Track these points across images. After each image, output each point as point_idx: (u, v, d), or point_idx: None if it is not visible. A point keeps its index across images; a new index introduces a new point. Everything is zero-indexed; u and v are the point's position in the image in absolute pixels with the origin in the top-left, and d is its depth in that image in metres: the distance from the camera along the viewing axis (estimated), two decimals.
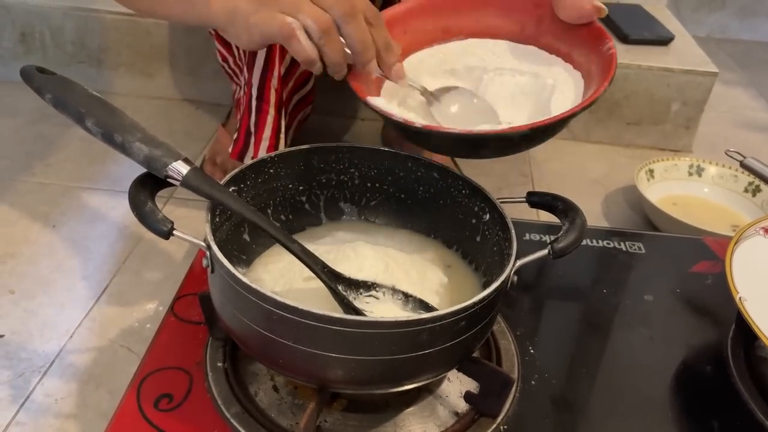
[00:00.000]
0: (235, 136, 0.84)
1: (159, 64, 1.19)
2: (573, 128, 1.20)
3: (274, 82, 0.79)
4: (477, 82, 0.67)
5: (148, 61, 1.19)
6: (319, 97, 0.93)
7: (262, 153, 0.80)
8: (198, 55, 1.17)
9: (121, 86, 1.21)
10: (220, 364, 0.59)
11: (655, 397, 0.62)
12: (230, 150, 0.84)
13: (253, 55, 0.78)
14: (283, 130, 0.82)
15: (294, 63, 0.83)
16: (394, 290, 0.56)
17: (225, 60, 0.90)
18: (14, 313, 0.73)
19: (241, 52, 0.83)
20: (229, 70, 0.91)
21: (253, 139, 0.81)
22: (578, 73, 0.65)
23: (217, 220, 0.56)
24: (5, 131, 1.08)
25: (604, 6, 0.64)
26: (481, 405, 0.57)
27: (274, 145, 0.80)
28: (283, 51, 0.79)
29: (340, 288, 0.54)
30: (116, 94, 1.21)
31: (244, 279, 0.47)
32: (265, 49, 0.76)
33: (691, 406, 0.62)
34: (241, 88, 0.89)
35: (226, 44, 0.88)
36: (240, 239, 0.62)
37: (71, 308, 0.75)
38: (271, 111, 0.80)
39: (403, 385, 0.52)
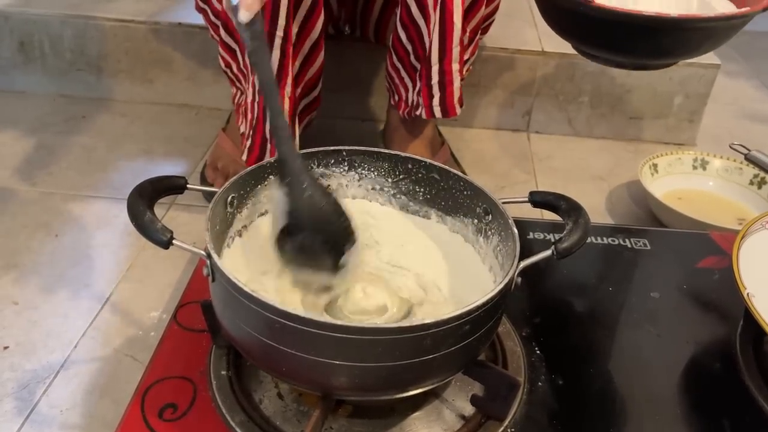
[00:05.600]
0: (248, 143, 0.84)
1: (158, 71, 1.19)
2: (575, 124, 1.20)
3: (288, 90, 0.79)
4: (622, 4, 0.70)
5: (147, 67, 1.18)
6: None
7: None
8: (196, 60, 1.17)
9: (121, 93, 1.21)
10: (223, 373, 0.59)
11: (663, 396, 0.62)
12: (245, 158, 0.84)
13: None
14: (297, 137, 0.82)
15: (303, 68, 0.83)
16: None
17: (228, 66, 0.90)
18: (18, 324, 0.73)
19: (246, 58, 0.83)
20: (232, 76, 0.91)
21: (269, 146, 0.81)
22: None
23: (218, 228, 0.56)
24: (6, 140, 1.08)
25: None
26: (487, 408, 0.57)
27: None
28: (295, 57, 0.80)
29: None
30: (116, 100, 1.21)
31: (246, 288, 0.47)
32: (278, 57, 0.77)
33: (701, 404, 0.62)
34: (243, 93, 0.89)
35: (230, 50, 0.88)
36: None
37: (75, 318, 0.75)
38: (285, 119, 0.80)
39: (408, 391, 0.51)
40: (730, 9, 0.75)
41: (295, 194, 0.55)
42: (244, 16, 0.51)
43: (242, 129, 0.87)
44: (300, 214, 0.56)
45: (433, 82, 0.84)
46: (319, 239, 0.56)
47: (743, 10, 0.70)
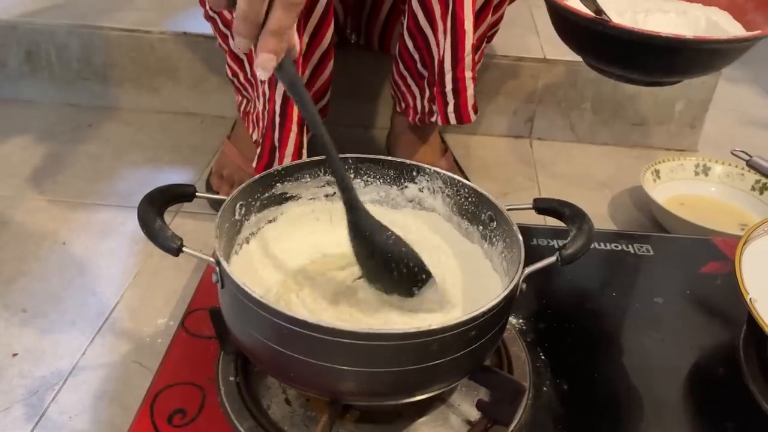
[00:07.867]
0: (258, 151, 0.84)
1: (163, 79, 1.20)
2: (577, 130, 1.21)
3: None
4: (632, 24, 0.72)
5: (153, 76, 1.19)
6: None
7: None
8: (201, 68, 1.18)
9: (127, 102, 1.22)
10: (232, 379, 0.59)
11: (668, 401, 0.62)
12: (254, 165, 0.85)
13: None
14: (305, 144, 0.83)
15: (312, 78, 0.84)
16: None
17: (235, 75, 0.91)
18: (27, 331, 0.74)
19: (255, 68, 0.84)
20: (239, 85, 0.92)
21: (277, 155, 0.82)
22: (725, 12, 0.75)
23: (226, 235, 0.57)
24: (13, 149, 1.09)
25: None
26: (493, 413, 0.57)
27: (297, 159, 0.81)
28: (304, 68, 0.80)
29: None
30: (122, 109, 1.22)
31: (254, 294, 0.48)
32: None
33: (705, 409, 0.62)
34: (250, 101, 0.90)
35: (237, 60, 0.88)
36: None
37: (83, 325, 0.75)
38: (294, 127, 0.81)
39: (414, 396, 0.52)
40: (737, 28, 0.76)
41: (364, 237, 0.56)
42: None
43: (255, 137, 0.88)
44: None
45: (447, 90, 0.85)
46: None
47: (756, 33, 0.71)
